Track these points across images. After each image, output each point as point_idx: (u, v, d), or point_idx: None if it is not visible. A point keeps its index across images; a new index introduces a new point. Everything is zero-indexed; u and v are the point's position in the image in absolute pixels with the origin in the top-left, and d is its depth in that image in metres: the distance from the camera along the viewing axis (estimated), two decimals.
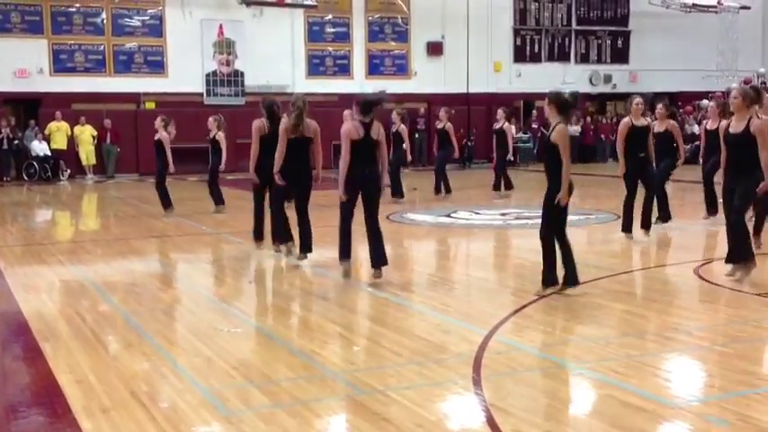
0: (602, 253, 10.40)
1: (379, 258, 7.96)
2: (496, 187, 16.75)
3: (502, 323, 6.49)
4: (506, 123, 16.43)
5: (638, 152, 10.27)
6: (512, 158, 16.50)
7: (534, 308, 6.98)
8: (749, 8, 30.00)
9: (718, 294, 7.46)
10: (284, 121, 8.91)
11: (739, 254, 7.57)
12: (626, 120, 10.57)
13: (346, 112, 13.61)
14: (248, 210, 10.26)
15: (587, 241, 11.51)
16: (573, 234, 11.80)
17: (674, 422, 4.42)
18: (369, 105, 7.89)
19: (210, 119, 14.36)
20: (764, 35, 31.86)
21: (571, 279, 7.24)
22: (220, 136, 14.02)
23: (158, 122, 14.04)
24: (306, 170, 8.90)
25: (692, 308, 7.08)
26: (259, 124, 9.50)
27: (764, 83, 29.98)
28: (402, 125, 15.74)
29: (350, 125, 7.88)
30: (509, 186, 16.82)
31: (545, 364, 5.43)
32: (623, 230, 10.40)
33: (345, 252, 8.03)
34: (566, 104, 7.10)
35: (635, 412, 4.48)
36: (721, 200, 8.17)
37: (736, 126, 7.56)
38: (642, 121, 10.49)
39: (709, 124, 11.96)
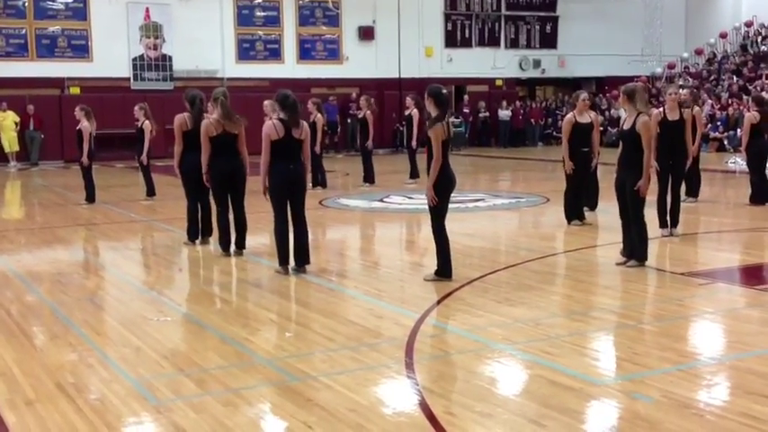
0: (533, 235, 10.57)
1: (302, 258, 7.90)
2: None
3: (434, 307, 6.54)
4: (415, 110, 16.09)
5: (581, 148, 10.40)
6: (414, 145, 16.16)
7: (465, 291, 7.05)
8: None
9: (642, 274, 7.64)
10: (204, 121, 8.73)
11: (639, 255, 7.78)
12: (569, 117, 10.59)
13: (266, 103, 13.46)
14: (179, 196, 10.10)
15: (518, 224, 11.69)
16: (504, 217, 12.05)
17: (602, 400, 4.52)
18: (289, 101, 7.72)
19: (136, 107, 14.08)
20: (687, 20, 32.66)
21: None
22: (147, 125, 13.75)
23: (78, 112, 13.71)
24: (238, 166, 8.71)
25: (617, 288, 7.23)
26: (181, 120, 9.25)
27: (687, 67, 30.78)
28: (318, 114, 15.39)
29: (270, 125, 7.69)
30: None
31: (476, 346, 5.49)
32: (569, 221, 10.49)
33: (285, 257, 7.89)
34: (442, 98, 7.20)
35: (564, 391, 4.57)
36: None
37: (627, 122, 7.80)
38: (586, 118, 10.52)
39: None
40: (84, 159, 13.60)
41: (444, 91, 7.42)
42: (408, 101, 16.48)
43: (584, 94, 10.65)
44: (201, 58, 25.32)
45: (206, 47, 25.52)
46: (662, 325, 6.01)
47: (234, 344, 5.69)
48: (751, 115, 12.05)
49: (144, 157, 13.83)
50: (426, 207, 7.46)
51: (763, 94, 16.21)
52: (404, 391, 4.73)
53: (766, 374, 4.73)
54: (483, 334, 5.75)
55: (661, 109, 9.90)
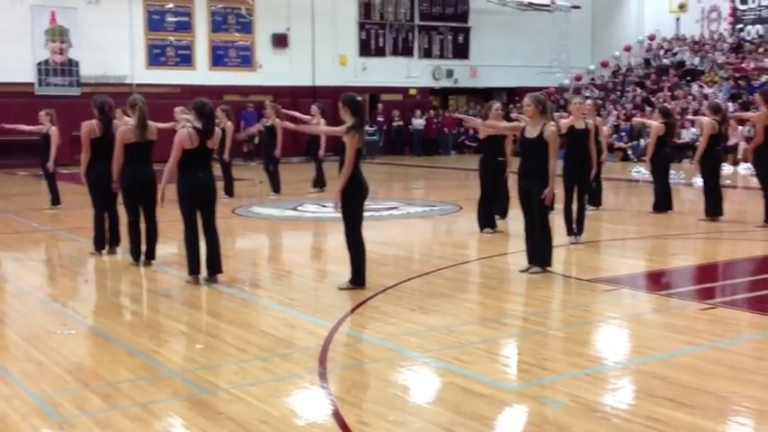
0: (446, 243, 10.69)
1: (214, 267, 7.79)
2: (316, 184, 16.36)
3: (348, 315, 6.53)
4: (321, 119, 15.79)
5: (496, 157, 10.55)
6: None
7: (379, 299, 7.06)
8: (579, 8, 31.59)
9: (551, 281, 7.81)
10: (121, 128, 8.54)
11: (544, 261, 7.96)
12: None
13: (177, 109, 13.29)
14: (84, 205, 9.82)
15: (432, 232, 11.79)
16: (418, 225, 12.14)
17: (513, 405, 4.59)
18: (206, 109, 7.63)
19: (42, 113, 13.65)
20: (594, 34, 33.67)
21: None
22: (53, 131, 13.34)
23: (44, 116, 13.51)
24: (152, 175, 8.53)
25: (527, 294, 7.36)
26: (89, 127, 8.98)
27: (594, 79, 31.66)
28: (228, 122, 15.03)
29: (185, 133, 7.54)
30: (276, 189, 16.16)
31: (389, 355, 5.50)
32: (481, 229, 10.63)
33: (195, 266, 7.76)
34: (355, 104, 7.26)
35: (476, 398, 4.62)
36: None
37: (530, 131, 7.96)
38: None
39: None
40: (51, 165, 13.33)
41: (359, 99, 7.42)
42: (313, 108, 16.32)
43: (496, 105, 10.81)
44: (110, 64, 24.75)
45: (115, 52, 24.97)
46: (570, 330, 6.14)
47: (142, 357, 5.54)
48: (658, 126, 12.41)
49: (51, 164, 13.41)
50: (341, 216, 7.44)
51: (668, 105, 16.72)
52: (317, 402, 4.70)
53: (669, 378, 4.88)
54: (396, 342, 5.76)
55: (569, 118, 10.15)
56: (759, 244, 9.86)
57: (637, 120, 19.07)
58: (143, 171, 8.46)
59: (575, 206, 9.75)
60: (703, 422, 4.21)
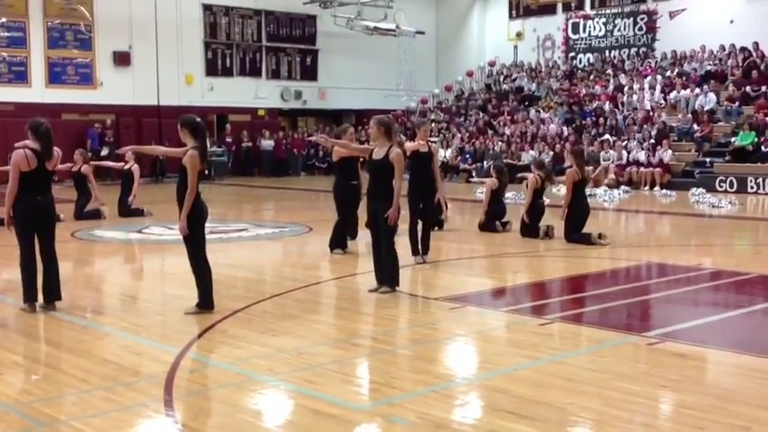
0: (297, 265, 10.67)
1: (52, 294, 7.44)
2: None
3: (195, 340, 6.40)
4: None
5: (350, 180, 10.72)
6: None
7: (228, 323, 6.96)
8: (424, 33, 32.52)
9: (399, 300, 7.95)
10: (21, 152, 7.34)
11: (391, 282, 8.15)
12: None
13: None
14: None
15: (282, 254, 11.74)
16: (268, 247, 12.05)
17: (362, 425, 4.63)
18: (41, 129, 7.28)
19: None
20: (438, 59, 34.73)
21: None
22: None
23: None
24: (51, 203, 7.64)
25: (376, 314, 7.46)
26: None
27: (440, 102, 32.58)
28: (85, 164, 14.77)
29: (21, 154, 7.17)
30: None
31: (238, 379, 5.42)
32: (332, 249, 10.70)
33: (32, 293, 7.38)
34: (195, 126, 7.22)
35: (326, 419, 4.63)
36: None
37: (377, 153, 8.17)
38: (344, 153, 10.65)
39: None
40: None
41: (198, 120, 7.32)
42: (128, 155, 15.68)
43: (351, 129, 11.01)
44: None
45: None
46: (417, 348, 6.27)
47: None
48: (533, 178, 12.67)
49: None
50: (182, 239, 7.29)
51: (543, 158, 17.22)
52: (162, 431, 4.57)
53: (511, 391, 5.08)
54: (246, 366, 5.69)
55: (416, 142, 10.38)
56: (592, 261, 10.44)
57: (521, 175, 19.61)
58: (43, 200, 7.51)
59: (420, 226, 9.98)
60: None
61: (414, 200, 9.90)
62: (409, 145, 10.10)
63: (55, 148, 7.47)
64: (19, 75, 25.45)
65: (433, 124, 29.94)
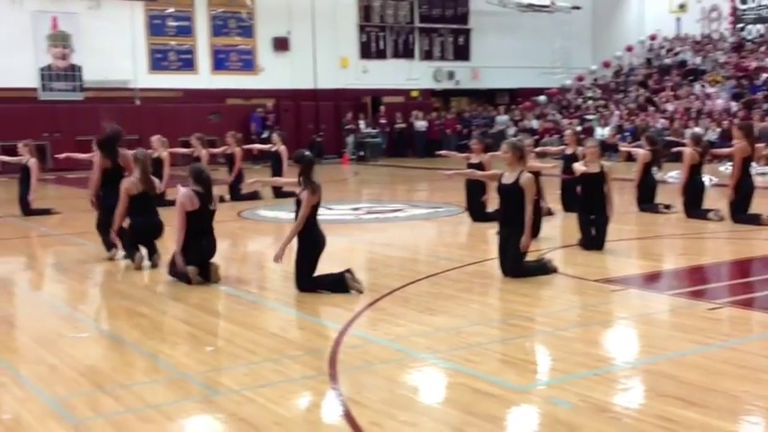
0: (452, 245, 10.72)
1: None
2: None
3: (356, 317, 6.56)
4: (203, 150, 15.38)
5: None
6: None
7: (387, 301, 7.10)
8: (580, 8, 31.62)
9: (558, 281, 7.83)
10: (127, 180, 8.77)
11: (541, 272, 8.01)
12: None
13: (154, 138, 13.79)
14: (90, 209, 9.87)
15: (437, 234, 11.82)
16: (423, 227, 12.16)
17: (522, 406, 4.62)
18: (202, 174, 7.94)
19: (20, 144, 13.71)
20: (594, 34, 33.69)
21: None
22: (32, 162, 13.31)
23: (22, 148, 13.51)
24: (158, 223, 8.80)
25: (534, 295, 7.38)
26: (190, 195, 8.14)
27: (596, 79, 31.66)
28: (203, 150, 15.00)
29: (187, 194, 7.81)
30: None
31: (399, 356, 5.53)
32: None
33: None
34: (309, 163, 7.52)
35: (486, 398, 4.65)
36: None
37: (508, 177, 7.99)
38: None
39: (568, 150, 12.59)
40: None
41: (309, 155, 7.65)
42: (275, 137, 16.22)
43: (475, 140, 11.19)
44: (112, 69, 24.79)
45: (117, 57, 25.02)
46: (577, 330, 6.17)
47: (153, 359, 5.59)
48: (645, 154, 12.60)
49: (32, 196, 13.48)
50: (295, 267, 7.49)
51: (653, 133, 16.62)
52: (328, 403, 4.74)
53: (678, 377, 4.90)
54: (405, 343, 5.79)
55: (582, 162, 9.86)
56: (762, 243, 9.88)
57: (624, 148, 19.17)
58: (149, 222, 8.80)
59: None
60: (716, 422, 4.23)
61: (584, 224, 9.42)
62: (577, 166, 9.67)
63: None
64: (186, 62, 26.76)
65: (590, 102, 29.16)
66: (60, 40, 24.54)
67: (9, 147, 14.22)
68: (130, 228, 8.86)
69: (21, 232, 12.02)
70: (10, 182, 17.79)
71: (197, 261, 7.85)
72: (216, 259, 8.07)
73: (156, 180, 9.12)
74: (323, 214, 13.42)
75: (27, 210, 13.48)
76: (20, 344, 6.20)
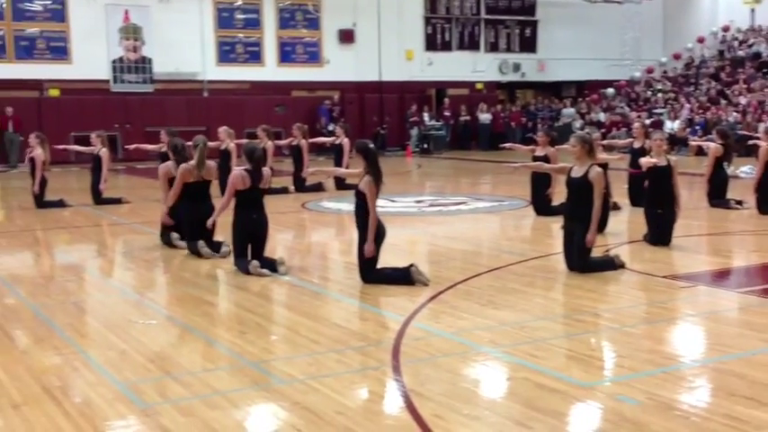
0: (515, 238, 10.64)
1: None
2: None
3: (419, 310, 6.56)
4: (345, 139, 15.44)
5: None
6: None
7: (450, 294, 7.08)
8: None
9: (625, 277, 7.71)
10: (183, 165, 8.95)
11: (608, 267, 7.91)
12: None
13: (221, 130, 13.86)
14: (156, 199, 10.08)
15: (500, 227, 11.75)
16: (487, 220, 12.10)
17: (587, 402, 4.56)
18: (254, 153, 8.09)
19: (93, 135, 13.98)
20: (665, 25, 32.96)
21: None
22: (104, 152, 13.55)
23: (33, 139, 13.53)
24: (264, 222, 8.61)
25: (600, 290, 7.28)
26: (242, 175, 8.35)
27: (666, 72, 30.99)
28: (269, 141, 14.65)
29: (239, 174, 7.99)
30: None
31: (462, 349, 5.52)
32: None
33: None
34: (367, 151, 7.44)
35: (549, 393, 4.61)
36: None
37: (577, 171, 7.86)
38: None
39: (636, 143, 12.39)
40: (36, 187, 13.43)
41: (370, 145, 7.60)
42: (294, 129, 15.73)
43: (595, 134, 10.79)
44: (181, 61, 25.24)
45: (186, 49, 25.45)
46: (644, 327, 6.06)
47: (219, 346, 5.69)
48: (716, 148, 12.38)
49: (103, 185, 13.78)
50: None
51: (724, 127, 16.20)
52: (391, 394, 4.75)
53: (748, 376, 4.79)
54: (468, 337, 5.77)
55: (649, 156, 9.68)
56: None
57: (694, 142, 18.90)
58: (201, 210, 8.91)
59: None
60: None
61: (651, 219, 9.26)
62: (644, 160, 9.48)
63: (265, 168, 8.22)
64: (254, 54, 27.07)
65: (659, 95, 28.55)
66: (132, 32, 25.08)
67: (82, 137, 14.62)
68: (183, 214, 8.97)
69: (92, 220, 12.35)
70: (82, 171, 18.28)
71: (247, 236, 8.03)
72: (279, 250, 8.18)
73: (212, 164, 9.20)
74: (386, 206, 13.57)
75: (98, 199, 13.86)
76: (91, 329, 6.38)
